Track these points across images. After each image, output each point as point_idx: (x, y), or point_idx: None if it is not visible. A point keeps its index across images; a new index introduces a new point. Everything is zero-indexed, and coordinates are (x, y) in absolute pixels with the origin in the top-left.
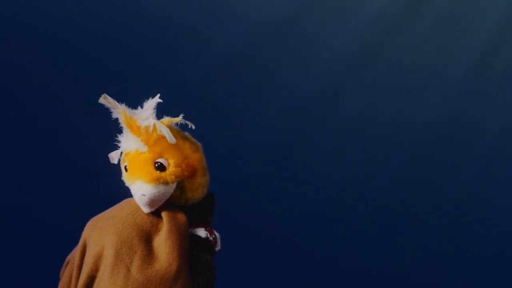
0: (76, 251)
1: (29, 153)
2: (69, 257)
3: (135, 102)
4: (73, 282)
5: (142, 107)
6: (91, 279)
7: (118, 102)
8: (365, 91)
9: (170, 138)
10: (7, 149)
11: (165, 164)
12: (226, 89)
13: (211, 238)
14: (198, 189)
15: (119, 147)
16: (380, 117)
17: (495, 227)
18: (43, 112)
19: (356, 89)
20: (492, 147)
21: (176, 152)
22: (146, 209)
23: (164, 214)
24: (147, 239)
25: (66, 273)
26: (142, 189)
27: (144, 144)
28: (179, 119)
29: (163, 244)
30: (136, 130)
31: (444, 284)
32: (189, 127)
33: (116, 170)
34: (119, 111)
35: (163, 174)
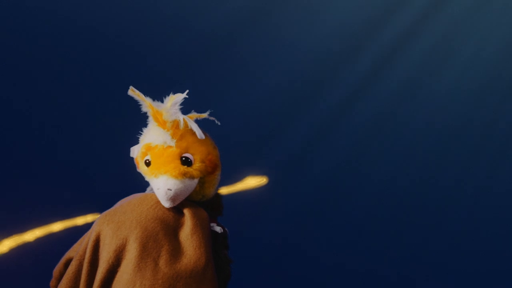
0: (82, 246)
1: (27, 152)
2: (69, 253)
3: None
4: (83, 277)
5: (162, 102)
6: (111, 273)
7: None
8: (373, 97)
9: (200, 134)
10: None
11: (191, 159)
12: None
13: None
14: (215, 185)
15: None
16: (380, 120)
17: (495, 227)
18: (43, 111)
19: (364, 95)
20: (494, 148)
21: (201, 147)
22: (168, 204)
23: (186, 210)
24: (171, 233)
25: (70, 269)
26: (168, 183)
27: (172, 138)
28: (205, 115)
29: (189, 238)
30: (163, 124)
31: (444, 284)
32: (216, 123)
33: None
34: (146, 104)
35: (189, 169)
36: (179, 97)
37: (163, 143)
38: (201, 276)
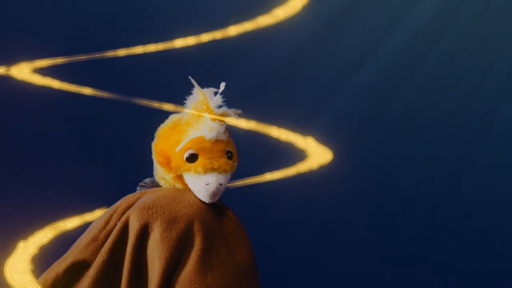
0: (108, 244)
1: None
2: (74, 257)
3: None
4: (125, 274)
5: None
6: (173, 266)
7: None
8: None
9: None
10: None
11: (232, 153)
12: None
13: None
14: None
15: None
16: (382, 118)
17: (495, 227)
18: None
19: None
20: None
21: (232, 142)
22: (211, 199)
23: (220, 205)
24: (220, 226)
25: (93, 272)
26: (220, 178)
27: (224, 132)
28: (239, 111)
29: (236, 232)
30: (214, 118)
31: (444, 284)
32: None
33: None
34: (201, 97)
35: (233, 163)
36: (216, 90)
37: (216, 137)
38: (254, 266)
